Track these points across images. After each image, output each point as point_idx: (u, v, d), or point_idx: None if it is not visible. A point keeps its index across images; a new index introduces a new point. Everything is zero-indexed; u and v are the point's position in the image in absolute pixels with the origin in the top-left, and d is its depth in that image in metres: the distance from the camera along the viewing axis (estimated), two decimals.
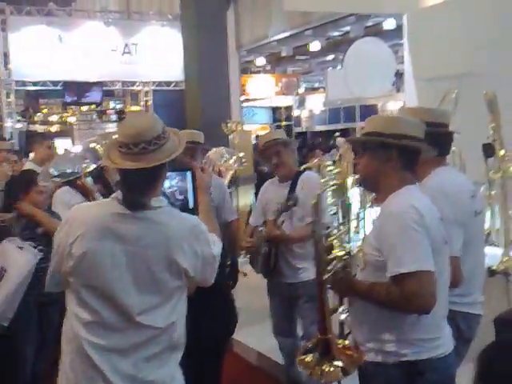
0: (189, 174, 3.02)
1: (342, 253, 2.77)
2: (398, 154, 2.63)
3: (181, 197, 3.06)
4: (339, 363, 2.70)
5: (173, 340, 2.56)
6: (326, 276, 2.74)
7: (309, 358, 2.76)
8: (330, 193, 3.07)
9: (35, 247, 4.38)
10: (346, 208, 3.08)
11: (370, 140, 2.68)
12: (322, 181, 2.95)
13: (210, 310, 3.39)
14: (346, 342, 2.82)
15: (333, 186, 2.97)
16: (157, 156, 2.47)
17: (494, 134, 5.75)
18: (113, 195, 2.60)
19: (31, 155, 7.35)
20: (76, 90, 15.64)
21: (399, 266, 2.47)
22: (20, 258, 4.35)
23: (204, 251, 2.57)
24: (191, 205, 3.01)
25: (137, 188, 2.50)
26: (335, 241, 2.83)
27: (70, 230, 2.54)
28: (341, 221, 3.08)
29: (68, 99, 15.95)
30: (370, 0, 9.30)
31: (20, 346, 4.49)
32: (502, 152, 5.72)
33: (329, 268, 2.75)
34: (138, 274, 2.47)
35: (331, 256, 2.77)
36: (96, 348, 2.47)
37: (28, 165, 7.31)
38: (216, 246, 2.68)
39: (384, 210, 2.65)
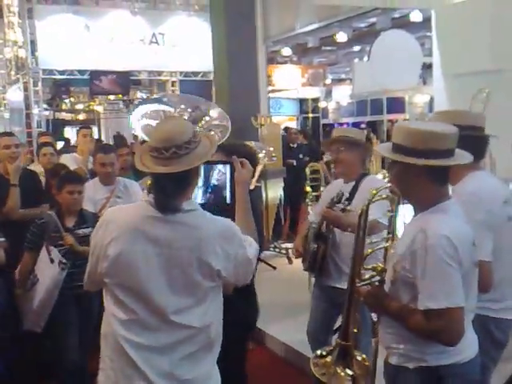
0: (228, 167, 2.90)
1: (382, 267, 2.76)
2: (426, 172, 2.58)
3: (219, 191, 2.92)
4: (351, 372, 2.75)
5: (209, 339, 2.60)
6: (359, 284, 2.75)
7: (326, 359, 2.82)
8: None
9: (64, 263, 4.42)
10: (393, 222, 3.00)
11: (396, 158, 2.64)
12: (373, 192, 2.84)
13: (228, 304, 3.32)
14: (364, 356, 2.84)
15: (384, 197, 2.88)
16: (187, 160, 2.50)
17: None
18: (145, 198, 2.63)
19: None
20: (103, 79, 15.69)
21: (429, 301, 2.48)
22: (48, 272, 4.41)
23: (238, 253, 2.60)
24: (228, 200, 2.90)
25: (168, 192, 2.52)
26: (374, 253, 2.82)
27: (106, 231, 2.60)
28: (385, 235, 3.02)
29: (95, 88, 15.99)
30: None
31: (60, 337, 4.54)
32: None
33: (364, 278, 2.75)
34: (172, 275, 2.52)
35: (369, 266, 2.78)
36: (133, 346, 2.52)
37: (70, 157, 7.35)
38: (251, 248, 2.68)
39: (417, 227, 2.60)
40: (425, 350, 2.60)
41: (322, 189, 8.42)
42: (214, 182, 2.91)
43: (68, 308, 4.53)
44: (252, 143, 7.74)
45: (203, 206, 2.75)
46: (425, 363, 2.61)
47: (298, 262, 5.36)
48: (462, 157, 2.67)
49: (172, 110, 6.09)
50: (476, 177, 3.18)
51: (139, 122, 5.58)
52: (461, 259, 2.50)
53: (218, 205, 2.82)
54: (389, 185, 2.87)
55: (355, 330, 2.83)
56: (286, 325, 5.56)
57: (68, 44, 14.54)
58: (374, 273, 2.77)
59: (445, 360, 2.59)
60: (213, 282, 2.56)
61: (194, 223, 2.55)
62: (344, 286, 4.15)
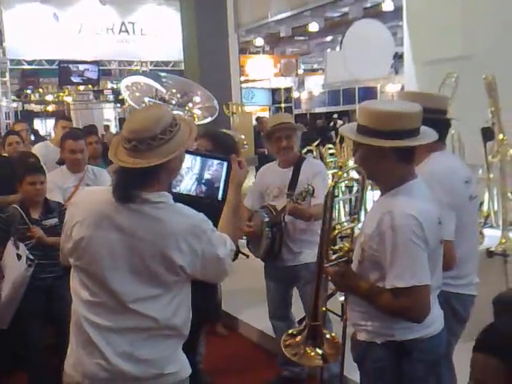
0: (225, 164, 2.86)
1: (348, 247, 2.75)
2: (392, 152, 2.56)
3: (217, 184, 2.87)
4: (321, 351, 2.76)
5: (172, 328, 2.55)
6: (327, 264, 2.73)
7: (297, 339, 2.81)
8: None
9: (32, 259, 4.30)
10: (359, 202, 3.00)
11: (361, 140, 2.61)
12: (339, 173, 2.83)
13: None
14: (333, 334, 2.88)
15: (348, 178, 2.87)
16: (149, 155, 2.41)
17: (492, 117, 5.76)
18: None
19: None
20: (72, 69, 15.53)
21: (397, 280, 2.49)
22: (15, 268, 4.29)
23: (205, 251, 2.50)
24: (220, 197, 2.85)
25: (124, 181, 2.46)
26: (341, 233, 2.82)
27: (74, 213, 2.58)
28: (349, 216, 3.01)
29: (63, 78, 15.80)
30: None
31: (25, 330, 4.45)
32: (501, 136, 5.71)
33: (332, 258, 2.74)
34: (134, 264, 2.46)
35: (336, 246, 2.76)
36: (93, 325, 2.50)
37: (43, 144, 7.19)
38: (225, 247, 2.59)
39: (384, 208, 2.59)
40: (392, 326, 2.62)
41: None
42: (208, 176, 2.85)
43: (36, 300, 4.43)
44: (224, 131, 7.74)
45: (193, 198, 2.73)
46: (392, 338, 2.63)
47: None
48: (427, 135, 2.65)
49: (164, 91, 6.05)
50: (438, 157, 3.19)
51: (128, 88, 5.51)
52: (427, 238, 2.51)
53: (209, 199, 2.77)
54: (355, 165, 2.85)
55: (323, 309, 2.84)
56: (258, 311, 5.57)
57: (36, 33, 14.34)
58: (341, 253, 2.75)
59: (411, 334, 2.62)
60: (176, 276, 2.49)
61: (158, 216, 2.47)
62: (295, 262, 4.36)
